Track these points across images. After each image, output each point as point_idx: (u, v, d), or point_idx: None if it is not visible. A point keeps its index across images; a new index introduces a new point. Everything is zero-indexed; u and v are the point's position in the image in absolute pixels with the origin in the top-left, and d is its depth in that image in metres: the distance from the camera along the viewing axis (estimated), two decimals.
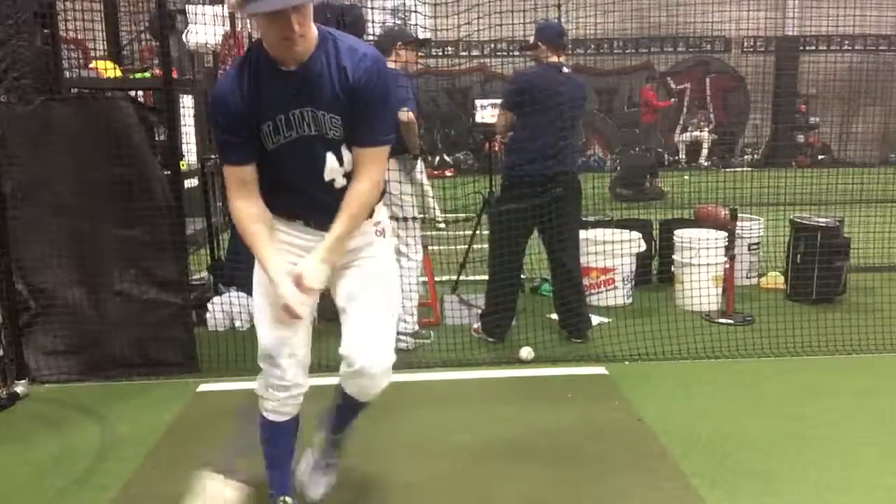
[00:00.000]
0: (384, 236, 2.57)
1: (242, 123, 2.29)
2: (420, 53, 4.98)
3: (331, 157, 2.35)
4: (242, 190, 2.37)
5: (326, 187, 2.38)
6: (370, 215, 2.48)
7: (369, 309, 2.47)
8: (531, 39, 4.64)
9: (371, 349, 2.44)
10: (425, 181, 8.90)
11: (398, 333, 4.63)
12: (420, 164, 8.58)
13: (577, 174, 4.70)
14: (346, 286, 2.51)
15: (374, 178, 2.36)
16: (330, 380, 3.85)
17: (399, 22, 4.90)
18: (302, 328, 2.51)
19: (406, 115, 4.27)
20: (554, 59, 4.55)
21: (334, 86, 2.26)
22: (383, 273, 2.54)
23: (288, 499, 2.66)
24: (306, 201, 2.43)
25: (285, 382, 2.51)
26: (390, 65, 4.48)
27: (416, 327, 4.74)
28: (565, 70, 4.59)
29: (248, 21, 5.45)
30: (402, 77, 4.37)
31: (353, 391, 2.55)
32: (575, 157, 4.63)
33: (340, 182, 2.39)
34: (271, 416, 2.58)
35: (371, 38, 4.97)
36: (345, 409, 2.68)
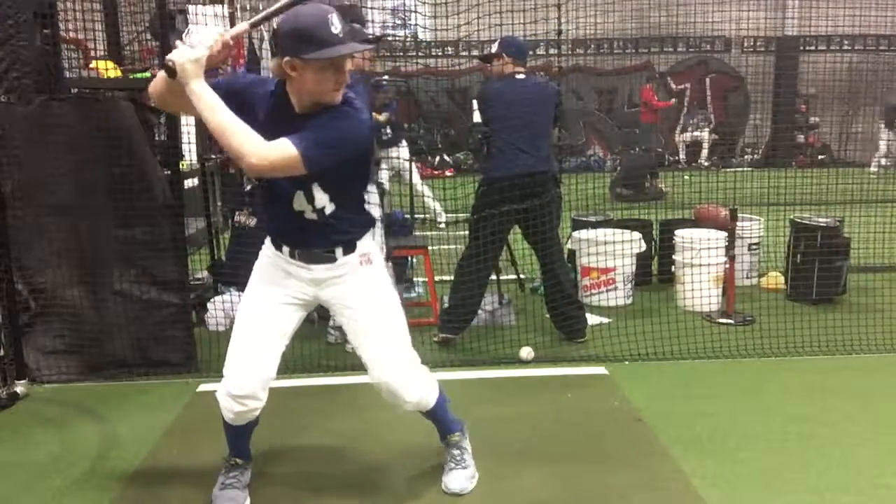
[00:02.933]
0: (370, 263, 2.71)
1: (238, 97, 2.43)
2: (373, 53, 5.11)
3: (299, 194, 2.52)
4: None
5: (297, 216, 2.56)
6: (353, 248, 2.64)
7: (373, 341, 2.70)
8: (493, 49, 4.72)
9: (383, 375, 2.71)
10: (420, 182, 8.96)
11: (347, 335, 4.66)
12: (413, 166, 8.65)
13: (553, 174, 4.72)
14: (349, 327, 2.75)
15: (267, 150, 2.31)
16: (328, 380, 3.84)
17: (355, 24, 4.92)
18: (273, 348, 2.67)
19: None
20: (511, 68, 4.64)
21: (315, 122, 2.41)
22: (375, 303, 2.71)
23: (239, 459, 2.88)
24: (284, 227, 2.63)
25: (240, 393, 2.63)
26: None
27: None
28: (520, 77, 4.65)
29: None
30: (356, 79, 4.45)
31: (396, 406, 2.81)
32: (549, 158, 4.65)
33: (310, 215, 2.55)
34: (230, 422, 2.74)
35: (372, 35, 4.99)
36: (426, 416, 2.93)
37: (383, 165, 8.01)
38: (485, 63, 4.99)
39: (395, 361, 2.73)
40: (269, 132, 2.43)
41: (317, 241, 2.61)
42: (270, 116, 2.46)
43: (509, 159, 4.49)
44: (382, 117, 8.13)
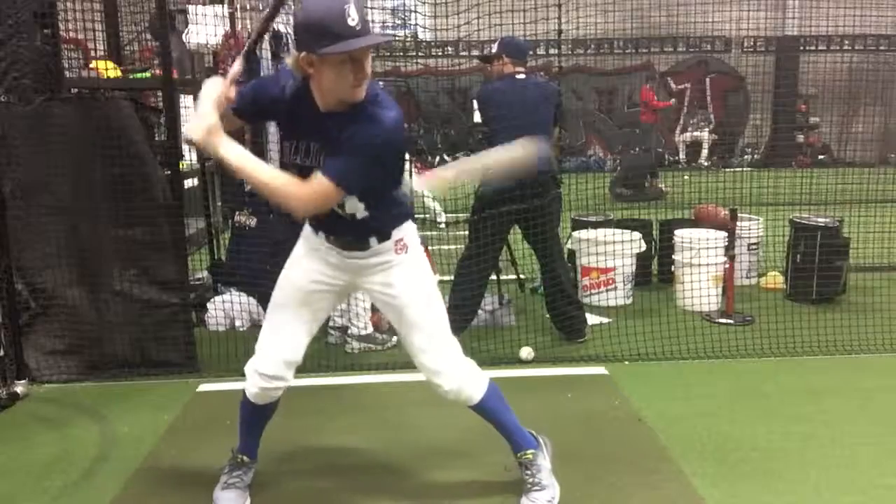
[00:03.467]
0: (406, 252, 2.64)
1: (259, 103, 2.45)
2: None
3: None
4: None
5: (330, 213, 2.49)
6: (387, 237, 2.59)
7: (415, 328, 2.67)
8: (493, 50, 4.73)
9: (425, 361, 2.70)
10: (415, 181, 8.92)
11: (347, 335, 4.65)
12: (412, 167, 8.60)
13: (553, 174, 4.72)
14: (389, 316, 2.75)
15: (306, 193, 2.34)
16: (328, 380, 3.84)
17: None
18: (303, 332, 2.67)
19: None
20: (510, 69, 4.64)
21: (345, 134, 2.33)
22: (416, 291, 2.66)
23: (245, 457, 2.87)
24: (317, 220, 2.58)
25: (269, 373, 2.66)
26: None
27: (370, 330, 4.67)
28: (519, 77, 4.65)
29: (248, 21, 5.46)
30: None
31: (440, 398, 2.78)
32: (550, 157, 4.66)
33: (343, 214, 2.50)
34: (252, 398, 2.73)
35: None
36: (485, 417, 2.85)
37: None
38: (485, 64, 4.99)
39: (439, 348, 2.69)
40: (294, 133, 2.42)
41: (349, 234, 2.57)
42: (293, 116, 2.41)
43: None
44: None
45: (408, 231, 2.65)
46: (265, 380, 2.65)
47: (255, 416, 2.81)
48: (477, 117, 5.60)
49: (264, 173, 2.34)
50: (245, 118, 2.54)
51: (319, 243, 2.63)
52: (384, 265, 2.62)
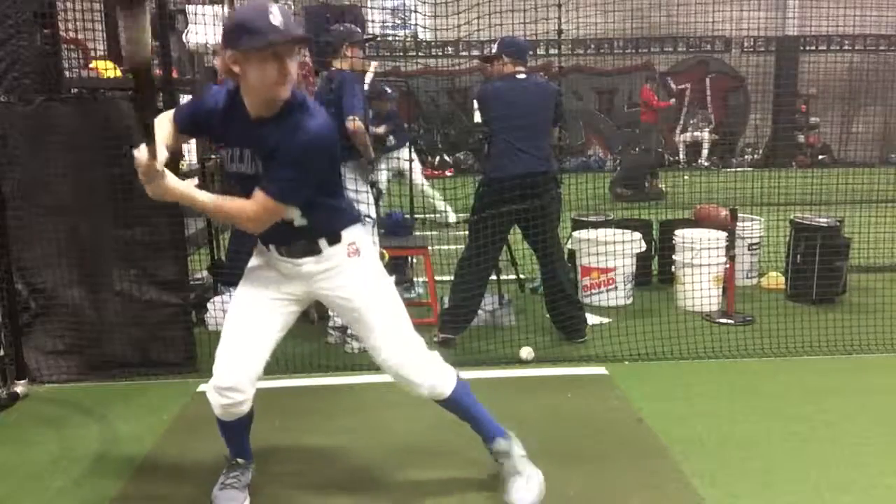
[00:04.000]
0: (359, 255, 2.67)
1: (196, 119, 2.58)
2: (367, 52, 5.15)
3: None
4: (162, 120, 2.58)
5: (272, 225, 2.54)
6: (338, 239, 2.62)
7: (374, 329, 2.69)
8: (493, 50, 4.73)
9: (389, 360, 2.71)
10: (425, 183, 8.95)
11: (347, 335, 4.64)
12: (417, 167, 8.65)
13: (554, 174, 4.71)
14: (348, 319, 2.78)
15: (252, 211, 2.44)
16: (328, 380, 3.85)
17: (348, 24, 4.93)
18: (262, 346, 2.66)
19: (353, 123, 4.42)
20: (510, 69, 4.63)
21: (276, 144, 2.40)
22: (370, 292, 2.70)
23: (240, 460, 2.87)
24: (264, 233, 2.60)
25: (225, 385, 2.63)
26: (341, 65, 4.61)
27: None
28: (520, 77, 4.64)
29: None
30: (351, 80, 4.46)
31: (410, 394, 2.80)
32: (550, 158, 4.65)
33: (281, 224, 2.54)
34: (221, 417, 2.73)
35: (369, 34, 5.00)
36: (454, 412, 2.89)
37: (382, 166, 7.98)
38: (485, 63, 4.99)
39: (398, 346, 2.71)
40: (228, 141, 2.49)
41: (296, 241, 2.61)
42: (226, 124, 2.48)
43: (509, 160, 4.49)
44: (381, 129, 8.01)
45: (358, 235, 2.69)
46: (223, 395, 2.62)
47: (233, 429, 2.80)
48: (477, 117, 5.59)
49: (211, 201, 2.45)
50: (186, 133, 2.67)
51: (272, 258, 2.67)
52: (336, 269, 2.64)
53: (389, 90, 8.46)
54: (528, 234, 4.68)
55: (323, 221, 2.60)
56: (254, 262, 2.77)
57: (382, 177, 7.99)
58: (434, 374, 2.79)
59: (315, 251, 2.61)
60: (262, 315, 2.67)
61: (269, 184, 2.39)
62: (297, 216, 2.53)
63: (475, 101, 5.00)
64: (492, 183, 4.57)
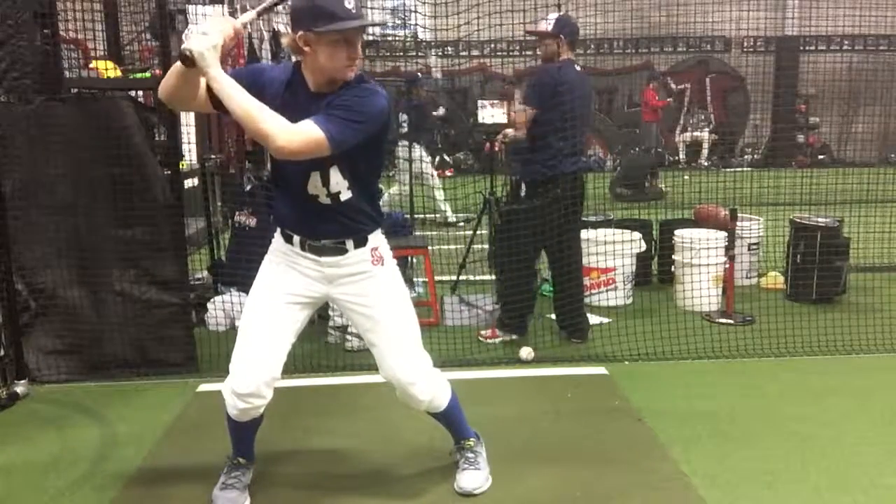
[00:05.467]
0: (382, 264, 2.68)
1: (257, 83, 2.44)
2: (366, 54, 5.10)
3: (315, 175, 2.50)
4: None
5: (310, 200, 2.54)
6: (364, 242, 2.62)
7: (387, 342, 2.71)
8: (549, 28, 4.46)
9: (397, 375, 2.73)
10: (437, 183, 9.01)
11: (347, 332, 4.64)
12: (430, 168, 8.68)
13: (583, 173, 4.71)
14: (363, 326, 2.74)
15: (294, 131, 2.32)
16: (328, 380, 3.84)
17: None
18: (279, 348, 2.66)
19: None
20: (568, 53, 4.50)
21: (335, 102, 2.41)
22: (391, 305, 2.70)
23: (242, 459, 2.87)
24: (296, 214, 2.60)
25: (245, 391, 2.62)
26: None
27: None
28: (578, 67, 4.57)
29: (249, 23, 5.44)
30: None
31: (408, 406, 2.83)
32: (584, 155, 4.64)
33: (324, 199, 2.54)
34: (235, 418, 2.72)
35: (370, 37, 4.97)
36: (438, 419, 2.97)
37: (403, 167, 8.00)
38: (542, 40, 4.54)
39: (408, 362, 2.73)
40: (286, 113, 2.41)
41: (328, 230, 2.58)
42: (286, 97, 2.46)
43: (568, 155, 4.41)
44: (441, 111, 8.02)
45: (382, 241, 2.70)
46: (243, 400, 2.62)
47: (243, 430, 2.80)
48: (480, 118, 5.55)
49: (253, 105, 2.30)
50: (239, 82, 2.51)
51: (294, 253, 2.64)
52: (360, 276, 2.65)
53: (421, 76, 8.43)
54: (555, 228, 4.50)
55: (360, 205, 2.57)
56: (272, 260, 2.71)
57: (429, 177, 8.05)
58: (435, 390, 2.82)
59: (341, 251, 2.60)
60: (279, 317, 2.64)
61: (320, 119, 2.35)
62: (343, 187, 2.52)
63: (530, 87, 4.54)
64: (557, 177, 4.40)
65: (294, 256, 2.65)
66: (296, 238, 2.62)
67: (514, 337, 4.69)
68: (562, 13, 4.66)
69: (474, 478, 2.93)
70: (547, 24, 4.51)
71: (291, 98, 2.45)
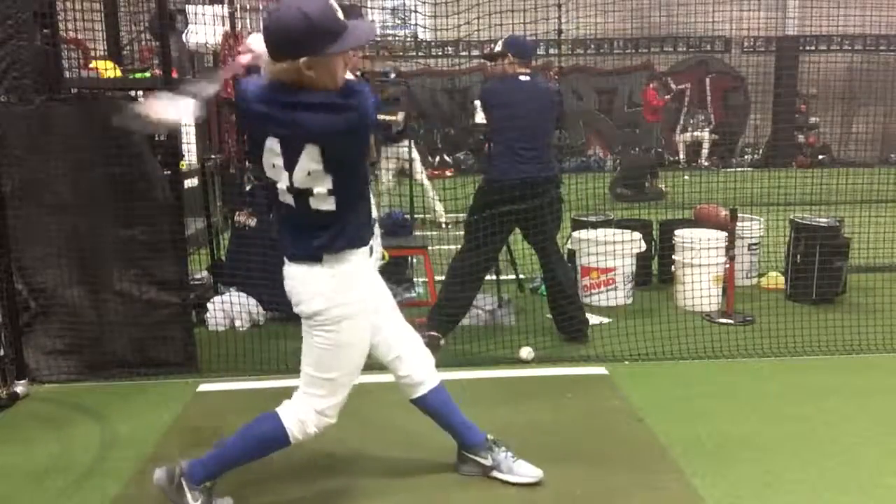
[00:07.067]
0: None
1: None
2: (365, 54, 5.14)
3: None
4: None
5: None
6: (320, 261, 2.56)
7: (397, 319, 2.87)
8: (497, 47, 4.64)
9: (407, 348, 2.88)
10: (426, 182, 8.95)
11: None
12: (419, 166, 8.62)
13: (554, 178, 4.65)
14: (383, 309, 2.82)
15: None
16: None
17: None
18: None
19: None
20: (514, 69, 4.56)
21: None
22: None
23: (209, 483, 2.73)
24: (367, 218, 2.62)
25: (331, 424, 2.72)
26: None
27: None
28: (523, 78, 4.57)
29: (248, 21, 5.46)
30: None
31: (415, 383, 2.91)
32: (551, 161, 4.63)
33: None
34: (294, 440, 2.68)
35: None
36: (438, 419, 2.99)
37: (383, 165, 7.95)
38: (488, 62, 4.90)
39: (414, 335, 2.91)
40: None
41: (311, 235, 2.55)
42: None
43: (510, 163, 4.46)
44: (399, 116, 7.91)
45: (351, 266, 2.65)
46: (322, 430, 2.70)
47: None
48: (479, 117, 5.58)
49: None
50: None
51: (369, 261, 2.63)
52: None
53: (391, 75, 8.38)
54: (527, 236, 4.66)
55: (347, 212, 2.44)
56: (362, 285, 2.59)
57: (383, 177, 7.97)
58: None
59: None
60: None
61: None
62: (323, 190, 2.38)
63: (477, 102, 4.93)
64: (492, 185, 4.55)
65: (370, 263, 2.66)
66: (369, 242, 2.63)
67: (433, 334, 4.54)
68: (511, 34, 4.80)
69: (521, 466, 2.98)
70: (497, 47, 4.70)
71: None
